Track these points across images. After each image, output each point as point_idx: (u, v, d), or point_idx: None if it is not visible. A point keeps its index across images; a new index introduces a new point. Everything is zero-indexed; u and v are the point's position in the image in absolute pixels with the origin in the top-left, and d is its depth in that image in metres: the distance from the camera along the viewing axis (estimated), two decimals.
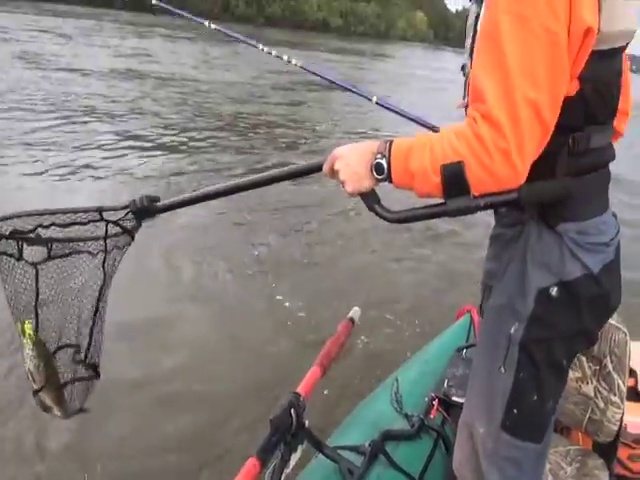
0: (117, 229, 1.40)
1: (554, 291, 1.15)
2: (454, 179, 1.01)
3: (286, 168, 1.31)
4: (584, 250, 1.15)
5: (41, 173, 6.32)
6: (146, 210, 1.40)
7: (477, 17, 1.12)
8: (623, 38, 1.11)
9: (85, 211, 1.39)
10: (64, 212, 1.37)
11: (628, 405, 1.70)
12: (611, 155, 1.21)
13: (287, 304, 4.08)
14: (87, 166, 6.79)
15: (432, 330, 3.00)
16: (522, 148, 0.98)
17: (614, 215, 1.24)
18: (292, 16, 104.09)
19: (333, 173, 1.17)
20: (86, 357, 1.48)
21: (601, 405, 1.71)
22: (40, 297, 1.38)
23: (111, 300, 1.49)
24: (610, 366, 1.60)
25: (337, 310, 3.57)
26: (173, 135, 8.90)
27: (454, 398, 1.95)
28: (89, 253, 1.38)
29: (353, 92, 1.54)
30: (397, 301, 4.27)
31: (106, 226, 1.40)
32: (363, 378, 3.13)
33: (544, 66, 0.98)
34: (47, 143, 7.49)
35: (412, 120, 1.46)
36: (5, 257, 1.32)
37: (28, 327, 1.37)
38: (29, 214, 1.33)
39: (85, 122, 8.90)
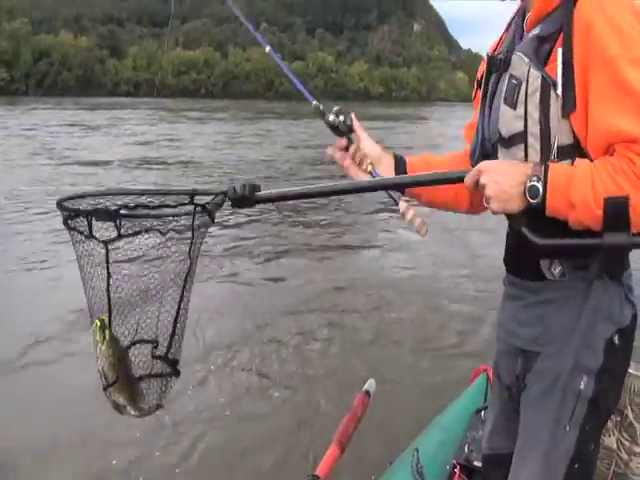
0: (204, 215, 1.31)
1: (616, 339, 1.20)
2: (617, 214, 1.02)
3: (421, 175, 1.28)
4: (632, 291, 1.23)
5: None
6: (245, 199, 1.29)
7: (545, 81, 1.14)
8: None
9: (177, 194, 1.31)
10: (154, 193, 1.29)
11: None
12: None
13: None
14: None
15: (448, 393, 2.88)
16: None
17: None
18: (334, 88, 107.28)
19: (477, 187, 1.14)
20: (167, 352, 1.38)
21: (624, 457, 1.68)
22: (115, 285, 1.30)
23: None
24: (631, 416, 1.53)
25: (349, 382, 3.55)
26: None
27: (475, 463, 1.96)
28: (175, 234, 1.30)
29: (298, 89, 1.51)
30: (410, 366, 4.13)
31: (194, 209, 1.31)
32: (380, 449, 2.93)
33: None
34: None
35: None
36: (78, 235, 1.26)
37: (99, 323, 1.33)
38: (117, 192, 1.28)
39: None
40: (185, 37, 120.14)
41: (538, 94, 1.15)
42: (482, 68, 1.38)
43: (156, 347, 1.38)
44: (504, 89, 1.22)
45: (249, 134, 22.48)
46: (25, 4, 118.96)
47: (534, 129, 1.17)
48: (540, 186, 1.07)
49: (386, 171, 1.44)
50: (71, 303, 4.57)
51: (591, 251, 1.14)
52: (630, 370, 1.65)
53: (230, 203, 1.30)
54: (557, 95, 1.12)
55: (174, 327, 1.37)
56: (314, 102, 1.45)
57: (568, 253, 1.19)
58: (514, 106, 1.19)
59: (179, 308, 1.37)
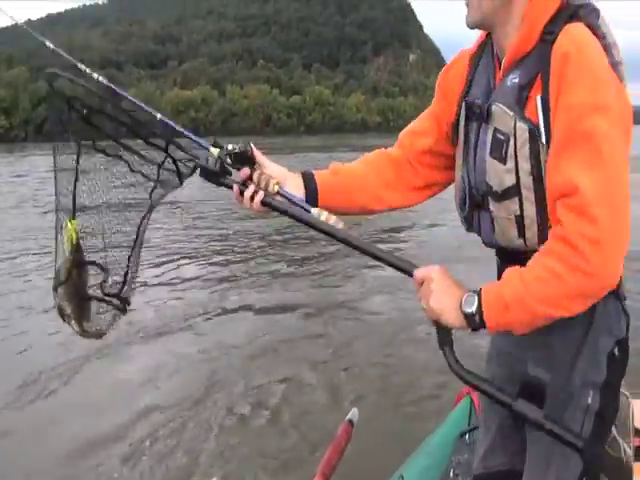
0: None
1: (616, 351, 1.23)
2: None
3: (383, 252, 1.30)
4: (624, 301, 1.25)
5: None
6: (214, 175, 1.37)
7: (532, 132, 1.15)
8: None
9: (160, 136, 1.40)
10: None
11: (638, 466, 1.62)
12: None
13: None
14: None
15: (434, 417, 2.83)
16: (617, 244, 1.03)
17: None
18: (331, 121, 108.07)
19: (421, 287, 1.20)
20: (122, 289, 1.44)
21: None
22: (84, 201, 1.37)
23: None
24: (614, 431, 1.51)
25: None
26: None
27: None
28: (141, 174, 1.42)
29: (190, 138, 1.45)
30: (393, 393, 4.08)
31: (165, 158, 1.39)
32: (365, 478, 2.94)
33: (626, 155, 1.06)
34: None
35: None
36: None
37: (73, 226, 1.38)
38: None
39: None
40: (183, 77, 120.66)
41: (527, 147, 1.16)
42: (447, 91, 1.42)
43: (107, 277, 1.42)
44: (488, 142, 1.24)
45: None
46: (23, 52, 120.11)
47: (527, 181, 1.19)
48: (475, 296, 1.13)
49: (295, 190, 1.43)
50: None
51: None
52: None
53: (199, 173, 1.37)
54: (543, 144, 1.14)
55: (128, 265, 1.43)
56: (213, 150, 1.39)
57: None
58: (504, 161, 1.20)
59: (134, 246, 1.43)
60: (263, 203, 1.35)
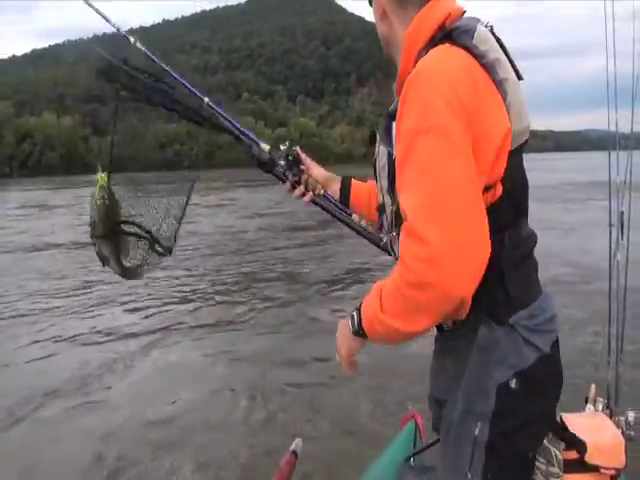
0: None
1: (513, 383, 1.19)
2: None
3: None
4: (536, 333, 1.21)
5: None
6: (265, 164, 1.67)
7: (390, 155, 1.23)
8: (526, 133, 1.24)
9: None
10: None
11: (574, 477, 1.55)
12: (535, 238, 1.30)
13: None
14: None
15: (380, 442, 2.69)
16: (458, 257, 1.02)
17: (547, 292, 1.30)
18: (317, 152, 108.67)
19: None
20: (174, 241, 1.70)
21: None
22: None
23: None
24: (545, 440, 1.44)
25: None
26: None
27: None
28: None
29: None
30: (337, 420, 3.99)
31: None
32: None
33: (462, 173, 1.05)
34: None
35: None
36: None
37: (103, 178, 1.53)
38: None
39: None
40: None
41: (386, 169, 1.26)
42: None
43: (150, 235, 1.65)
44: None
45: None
46: (7, 88, 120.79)
47: (387, 200, 1.30)
48: (355, 313, 1.20)
49: (334, 194, 1.69)
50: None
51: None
52: None
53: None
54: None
55: (180, 221, 1.72)
56: (264, 145, 1.70)
57: None
58: (377, 180, 1.35)
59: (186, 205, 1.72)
60: (311, 201, 1.66)
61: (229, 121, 1.71)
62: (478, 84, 1.13)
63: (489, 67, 1.16)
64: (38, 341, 5.86)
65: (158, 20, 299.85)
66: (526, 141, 1.25)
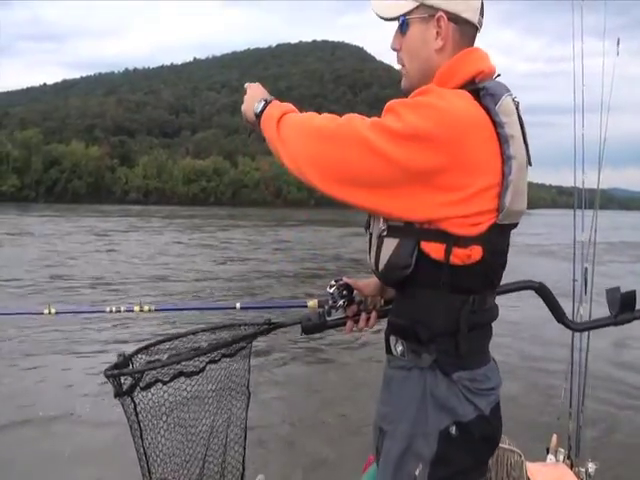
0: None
1: (453, 430, 1.23)
2: None
3: None
4: (477, 396, 1.26)
5: None
6: (321, 326, 1.55)
7: None
8: (519, 217, 1.30)
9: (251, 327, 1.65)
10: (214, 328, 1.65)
11: None
12: (497, 313, 1.36)
13: None
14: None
15: None
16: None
17: (495, 362, 1.37)
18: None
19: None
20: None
21: None
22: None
23: None
24: None
25: None
26: None
27: None
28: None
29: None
30: (301, 460, 4.07)
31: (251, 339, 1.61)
32: None
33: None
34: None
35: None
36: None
37: None
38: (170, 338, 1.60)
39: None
40: (195, 147, 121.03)
41: None
42: None
43: None
44: None
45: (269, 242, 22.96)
46: (37, 115, 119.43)
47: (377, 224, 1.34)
48: (263, 103, 1.41)
49: (390, 294, 1.56)
50: None
51: (422, 340, 1.23)
52: (503, 445, 1.76)
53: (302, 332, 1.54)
54: None
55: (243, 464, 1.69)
56: (311, 303, 1.76)
57: (402, 334, 1.28)
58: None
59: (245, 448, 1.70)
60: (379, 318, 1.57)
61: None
62: (482, 137, 1.18)
63: (502, 139, 1.18)
64: None
65: (189, 59, 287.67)
66: (515, 224, 1.29)
